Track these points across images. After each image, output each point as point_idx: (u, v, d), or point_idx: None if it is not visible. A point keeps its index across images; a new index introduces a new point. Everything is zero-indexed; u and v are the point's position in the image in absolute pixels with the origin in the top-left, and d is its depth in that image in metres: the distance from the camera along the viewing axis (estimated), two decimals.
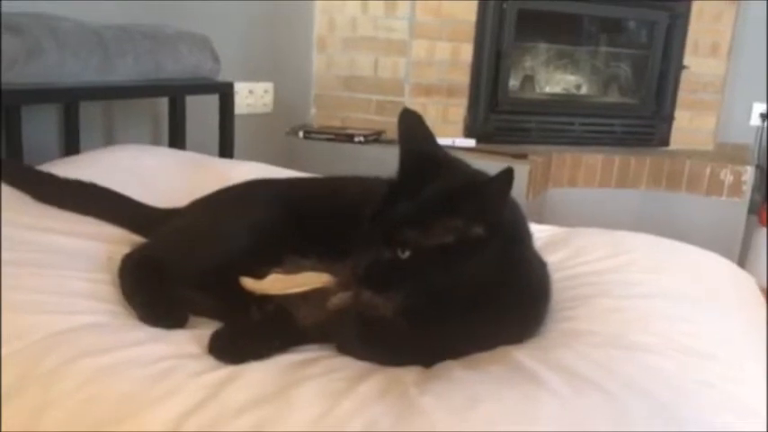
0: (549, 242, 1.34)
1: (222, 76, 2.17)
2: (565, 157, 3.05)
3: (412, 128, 0.95)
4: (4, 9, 1.58)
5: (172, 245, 1.11)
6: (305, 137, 2.92)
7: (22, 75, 1.52)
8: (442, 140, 0.98)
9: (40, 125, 1.80)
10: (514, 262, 0.91)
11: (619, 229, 1.46)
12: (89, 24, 1.73)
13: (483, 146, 2.95)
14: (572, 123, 3.24)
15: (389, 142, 2.82)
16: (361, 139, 2.85)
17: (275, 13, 2.78)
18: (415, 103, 2.92)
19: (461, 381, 0.82)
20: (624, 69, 3.43)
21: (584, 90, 3.48)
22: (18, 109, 1.63)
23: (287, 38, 2.89)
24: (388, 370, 0.86)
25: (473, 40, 2.97)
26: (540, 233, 1.29)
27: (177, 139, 2.07)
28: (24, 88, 1.54)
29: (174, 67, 1.96)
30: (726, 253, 1.44)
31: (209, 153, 1.98)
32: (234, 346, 0.86)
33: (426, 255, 0.84)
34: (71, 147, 1.82)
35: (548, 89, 3.46)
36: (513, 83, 3.27)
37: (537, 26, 3.20)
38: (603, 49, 3.44)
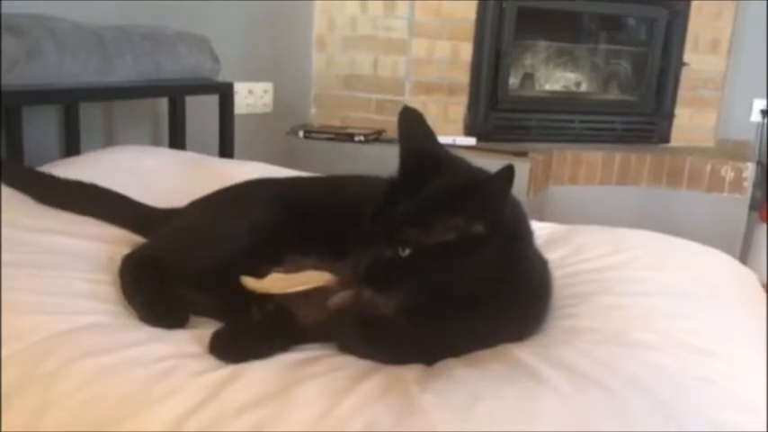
0: (549, 240, 1.34)
1: (222, 77, 2.17)
2: (565, 155, 3.05)
3: (412, 126, 0.95)
4: (3, 10, 1.58)
5: (172, 245, 1.11)
6: (305, 136, 2.92)
7: (21, 76, 1.52)
8: (443, 139, 0.98)
9: (40, 126, 1.80)
10: (515, 260, 0.91)
11: (620, 227, 1.46)
12: (88, 25, 1.74)
13: (483, 144, 2.95)
14: (572, 121, 3.24)
15: (390, 141, 2.82)
16: (362, 138, 2.85)
17: (275, 13, 2.78)
18: (416, 102, 2.91)
19: (462, 379, 0.82)
20: (624, 66, 3.43)
21: (584, 87, 3.48)
22: (18, 110, 1.63)
23: (286, 38, 2.89)
24: (389, 368, 0.86)
25: (473, 38, 2.96)
26: (540, 231, 1.28)
27: (177, 140, 2.07)
28: (24, 89, 1.55)
29: (174, 67, 1.96)
30: (727, 249, 1.44)
31: (210, 153, 1.98)
32: (235, 346, 0.86)
33: (427, 253, 0.84)
34: (71, 148, 1.82)
35: (548, 87, 3.46)
36: (513, 81, 3.27)
37: (536, 24, 3.20)
38: (603, 46, 3.44)
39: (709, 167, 3.08)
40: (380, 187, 0.90)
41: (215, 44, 2.13)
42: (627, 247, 1.30)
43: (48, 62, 1.57)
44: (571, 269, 1.21)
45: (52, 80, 1.61)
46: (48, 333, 0.86)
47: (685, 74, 3.25)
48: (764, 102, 3.59)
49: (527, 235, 0.97)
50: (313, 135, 2.92)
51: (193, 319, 0.96)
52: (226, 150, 2.18)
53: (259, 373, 0.82)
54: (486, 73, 3.01)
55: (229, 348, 0.86)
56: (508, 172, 0.81)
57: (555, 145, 3.09)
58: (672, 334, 0.96)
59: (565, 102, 3.43)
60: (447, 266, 0.85)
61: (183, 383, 0.79)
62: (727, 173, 3.06)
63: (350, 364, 0.86)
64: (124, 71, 1.79)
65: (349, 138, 2.86)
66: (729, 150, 3.29)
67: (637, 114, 3.31)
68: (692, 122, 3.32)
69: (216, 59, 2.12)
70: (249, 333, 0.90)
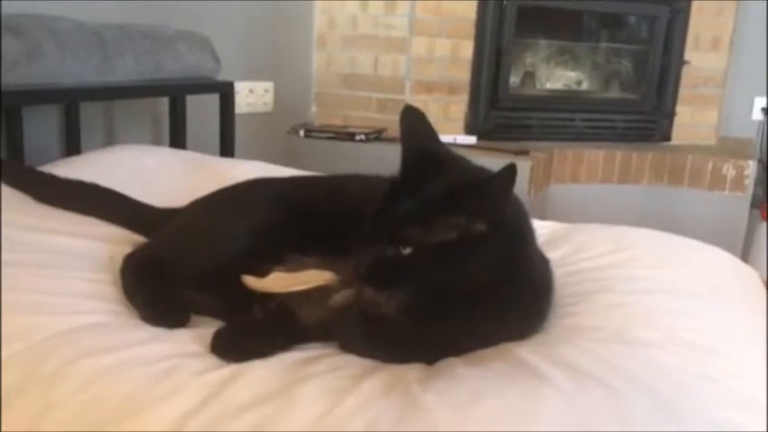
0: (551, 238, 1.34)
1: (222, 76, 2.17)
2: (566, 153, 3.05)
3: (414, 125, 0.95)
4: (3, 10, 1.58)
5: (173, 245, 1.11)
6: (306, 135, 2.92)
7: (22, 76, 1.52)
8: (443, 138, 0.98)
9: (40, 126, 1.80)
10: (516, 259, 0.91)
11: (621, 225, 1.46)
12: (88, 24, 1.73)
13: (484, 143, 2.95)
14: (573, 119, 3.23)
15: (390, 140, 2.82)
16: (362, 137, 2.84)
17: (275, 12, 2.77)
18: (416, 101, 2.91)
19: (464, 377, 0.82)
20: (625, 65, 3.42)
21: (585, 86, 3.48)
22: (19, 110, 1.63)
23: (287, 37, 2.89)
24: (391, 367, 0.86)
25: (473, 36, 2.96)
26: (542, 229, 1.28)
27: (178, 139, 2.07)
28: (25, 89, 1.54)
29: (174, 66, 1.96)
30: (728, 247, 1.44)
31: (210, 153, 1.98)
32: (236, 345, 0.86)
33: (428, 252, 0.84)
34: (72, 147, 1.82)
35: (548, 85, 3.46)
36: (514, 79, 3.27)
37: (537, 22, 3.20)
38: (604, 44, 3.44)
39: (710, 165, 3.08)
40: (381, 186, 0.90)
41: (215, 43, 2.13)
42: (628, 245, 1.30)
43: (48, 62, 1.57)
44: (573, 267, 1.21)
45: (53, 80, 1.61)
46: (49, 333, 0.86)
47: (686, 72, 3.25)
48: (765, 99, 3.59)
49: (528, 234, 0.97)
50: (314, 134, 2.92)
51: (195, 319, 0.96)
52: (226, 150, 2.18)
53: (260, 373, 0.82)
54: (486, 71, 3.01)
55: (231, 347, 0.86)
56: (510, 171, 0.81)
57: (556, 143, 3.09)
58: (673, 332, 0.96)
59: (566, 100, 3.43)
60: (448, 265, 0.84)
61: (184, 383, 0.79)
62: (729, 171, 3.06)
63: (351, 364, 0.86)
64: (125, 70, 1.79)
65: (350, 137, 2.86)
66: (730, 148, 3.29)
67: (638, 112, 3.31)
68: (693, 120, 3.32)
69: (216, 59, 2.12)
70: (250, 332, 0.90)
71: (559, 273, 1.09)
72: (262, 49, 2.74)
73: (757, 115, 3.65)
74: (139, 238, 1.20)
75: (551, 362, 0.85)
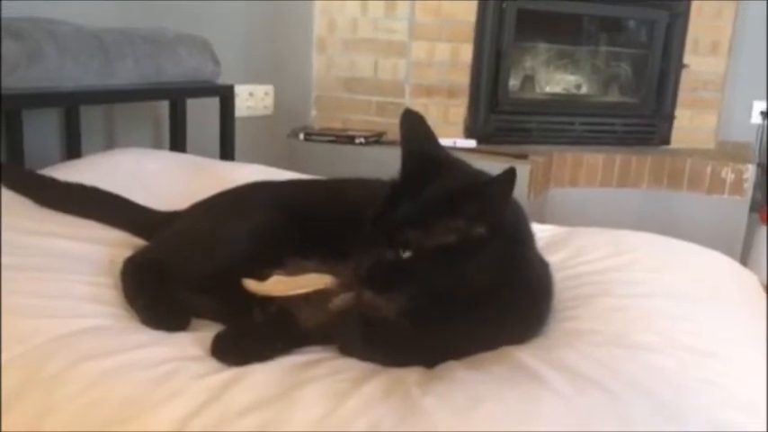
0: (550, 242, 1.34)
1: (222, 79, 2.17)
2: (566, 157, 3.05)
3: (414, 128, 0.96)
4: (3, 13, 1.58)
5: (173, 248, 1.11)
6: (306, 139, 2.92)
7: (23, 79, 1.52)
8: (443, 141, 0.98)
9: (41, 129, 1.80)
10: (516, 262, 0.91)
11: (620, 229, 1.46)
12: (89, 28, 1.74)
13: (484, 146, 2.95)
14: (572, 123, 3.24)
15: (390, 143, 2.82)
16: (362, 140, 2.85)
17: (275, 15, 2.78)
18: (416, 104, 2.92)
19: (463, 381, 0.82)
20: (624, 69, 3.43)
21: (584, 90, 3.48)
22: (19, 113, 1.63)
23: (287, 40, 2.89)
24: (390, 371, 0.86)
25: (473, 40, 2.97)
26: (541, 233, 1.29)
27: (178, 143, 2.07)
28: (25, 92, 1.55)
29: (175, 70, 1.97)
30: (727, 251, 1.44)
31: (210, 156, 1.98)
32: (237, 348, 0.87)
33: (428, 255, 0.85)
34: (72, 151, 1.83)
35: (548, 89, 3.46)
36: (514, 83, 3.27)
37: (536, 26, 3.20)
38: (603, 48, 3.44)
39: (709, 169, 3.08)
40: (381, 190, 0.90)
41: (215, 47, 2.13)
42: (627, 249, 1.30)
43: (49, 65, 1.57)
44: (572, 271, 1.21)
45: (53, 83, 1.61)
46: (49, 336, 0.86)
47: (685, 76, 3.25)
48: (764, 103, 3.59)
49: (528, 237, 0.97)
50: (314, 137, 2.92)
51: (195, 322, 0.96)
52: (226, 153, 2.18)
53: (261, 376, 0.82)
54: (486, 75, 3.01)
55: (231, 351, 0.86)
56: (510, 175, 0.81)
57: (555, 147, 3.09)
58: (672, 335, 0.96)
59: (565, 104, 3.43)
60: (448, 269, 0.85)
61: (184, 386, 0.79)
62: (728, 175, 3.06)
63: (352, 367, 0.87)
64: (125, 74, 1.80)
65: (349, 140, 2.86)
66: (730, 152, 3.29)
67: (637, 116, 3.32)
68: (692, 124, 3.33)
69: (216, 62, 2.12)
70: (251, 336, 0.90)
71: (559, 276, 1.09)
72: (262, 52, 2.74)
73: (756, 119, 3.65)
74: (140, 242, 1.20)
75: (551, 365, 0.85)
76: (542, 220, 1.60)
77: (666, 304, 1.07)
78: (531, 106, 3.27)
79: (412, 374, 0.85)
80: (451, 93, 3.02)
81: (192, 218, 1.20)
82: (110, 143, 2.04)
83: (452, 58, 2.98)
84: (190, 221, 1.19)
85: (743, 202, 3.08)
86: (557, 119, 3.24)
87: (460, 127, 3.05)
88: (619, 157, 3.09)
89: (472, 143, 2.98)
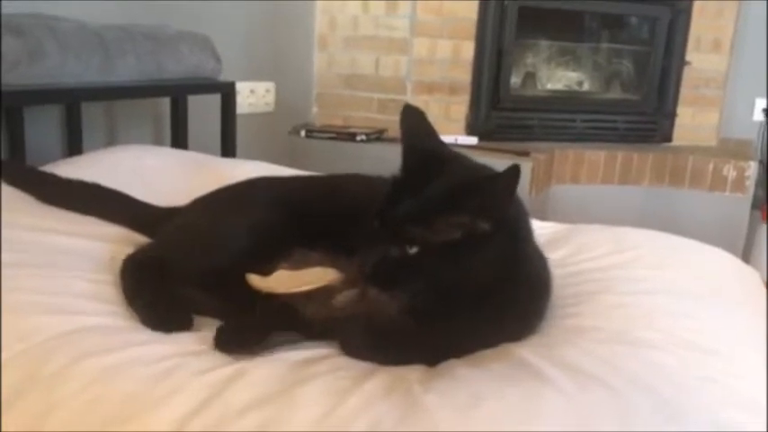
0: (551, 239, 1.34)
1: (224, 76, 2.17)
2: (567, 154, 3.05)
3: (414, 125, 0.95)
4: (3, 9, 1.58)
5: (173, 245, 1.11)
6: (307, 136, 2.92)
7: (24, 76, 1.52)
8: (444, 139, 0.98)
9: (42, 126, 1.80)
10: (517, 258, 0.91)
11: (622, 226, 1.46)
12: (90, 25, 1.74)
13: (485, 143, 2.95)
14: (574, 120, 3.23)
15: (392, 140, 2.82)
16: (364, 137, 2.85)
17: (276, 12, 2.78)
18: (417, 101, 2.91)
19: (465, 379, 0.82)
20: (626, 66, 3.42)
21: (586, 87, 3.48)
22: (20, 110, 1.63)
23: (288, 37, 2.89)
24: (392, 368, 0.86)
25: (474, 37, 2.96)
26: (542, 230, 1.29)
27: (179, 139, 2.07)
28: (26, 89, 1.55)
29: (176, 67, 1.96)
30: (729, 248, 1.44)
31: (212, 153, 1.98)
32: (240, 339, 0.86)
33: (434, 251, 0.84)
34: (73, 147, 1.82)
35: (549, 86, 3.46)
36: (515, 80, 3.27)
37: (538, 23, 3.20)
38: (605, 45, 3.44)
39: (711, 167, 3.08)
40: (381, 186, 0.90)
41: (217, 44, 2.13)
42: (629, 246, 1.30)
43: (50, 62, 1.57)
44: (574, 268, 1.21)
45: (54, 80, 1.61)
46: (50, 334, 0.86)
47: (687, 73, 3.25)
48: (766, 101, 3.59)
49: (528, 233, 0.97)
50: (315, 134, 2.92)
51: (196, 320, 0.96)
52: (228, 150, 2.18)
53: (262, 373, 0.81)
54: (487, 72, 3.01)
55: (234, 342, 0.86)
56: (514, 171, 0.81)
57: (557, 144, 3.09)
58: (674, 333, 0.96)
59: (567, 101, 3.42)
60: (453, 264, 0.84)
61: (185, 382, 0.79)
62: (730, 172, 3.06)
63: (353, 364, 0.86)
64: (126, 71, 1.79)
65: (351, 137, 2.86)
66: (731, 149, 3.29)
67: (639, 113, 3.31)
68: (694, 121, 3.32)
69: (218, 59, 2.12)
70: (253, 327, 0.90)
71: (560, 273, 1.09)
72: (263, 49, 2.74)
73: (758, 116, 3.65)
74: (141, 238, 1.20)
75: (552, 363, 0.85)
76: (544, 218, 1.60)
77: (668, 301, 1.07)
78: (532, 103, 3.27)
79: (413, 372, 0.85)
80: (453, 90, 3.02)
81: (192, 214, 1.20)
82: (111, 140, 2.04)
83: (454, 55, 2.98)
84: (190, 217, 1.19)
85: (745, 200, 3.08)
86: (558, 116, 3.23)
87: (462, 124, 3.05)
88: (620, 154, 3.09)
89: (474, 140, 2.98)
